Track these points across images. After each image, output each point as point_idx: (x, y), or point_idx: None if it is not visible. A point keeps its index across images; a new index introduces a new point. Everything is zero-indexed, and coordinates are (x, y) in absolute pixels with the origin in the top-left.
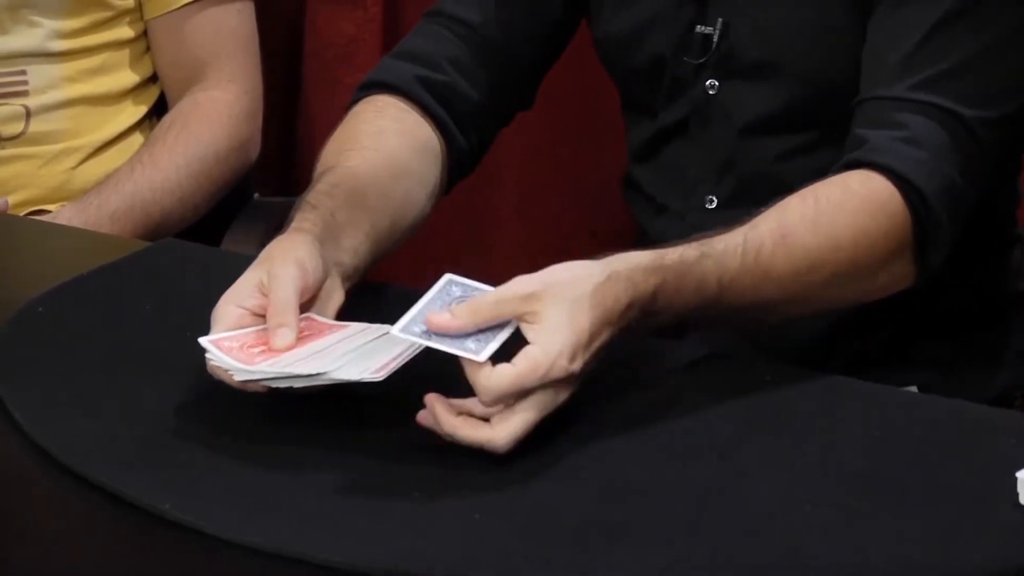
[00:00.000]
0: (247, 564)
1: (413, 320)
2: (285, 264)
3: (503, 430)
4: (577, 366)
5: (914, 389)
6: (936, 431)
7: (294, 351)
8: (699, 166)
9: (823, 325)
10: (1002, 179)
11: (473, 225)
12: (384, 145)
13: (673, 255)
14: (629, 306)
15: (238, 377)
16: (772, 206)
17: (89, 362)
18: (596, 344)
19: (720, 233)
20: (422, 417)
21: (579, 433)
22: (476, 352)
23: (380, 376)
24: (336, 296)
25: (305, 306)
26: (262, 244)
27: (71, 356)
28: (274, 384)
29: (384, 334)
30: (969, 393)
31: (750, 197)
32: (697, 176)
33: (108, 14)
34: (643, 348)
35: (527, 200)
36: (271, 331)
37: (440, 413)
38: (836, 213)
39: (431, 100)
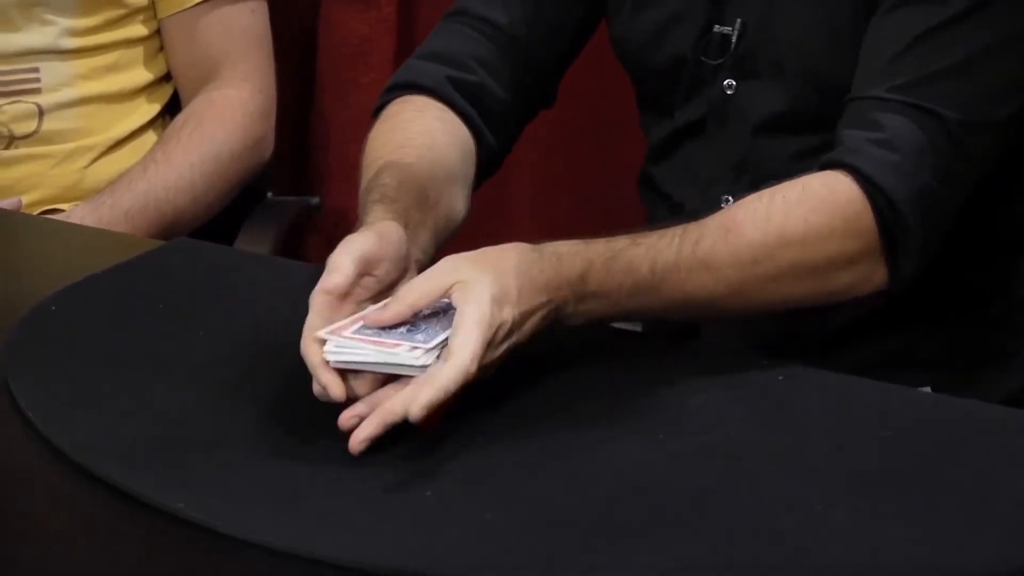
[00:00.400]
0: (260, 563)
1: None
2: (356, 236)
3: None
4: (508, 315)
5: (927, 390)
6: (948, 431)
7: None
8: (715, 166)
9: (834, 325)
10: (1016, 183)
11: (486, 224)
12: (434, 144)
13: (601, 242)
14: (558, 285)
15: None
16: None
17: (102, 361)
18: (526, 306)
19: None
20: (349, 427)
21: (588, 434)
22: (424, 342)
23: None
24: None
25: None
26: (275, 243)
27: (84, 355)
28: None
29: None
30: (980, 394)
31: None
32: (713, 176)
33: (121, 12)
34: (651, 346)
35: (540, 199)
36: None
37: (368, 410)
38: (789, 210)
39: (462, 100)
